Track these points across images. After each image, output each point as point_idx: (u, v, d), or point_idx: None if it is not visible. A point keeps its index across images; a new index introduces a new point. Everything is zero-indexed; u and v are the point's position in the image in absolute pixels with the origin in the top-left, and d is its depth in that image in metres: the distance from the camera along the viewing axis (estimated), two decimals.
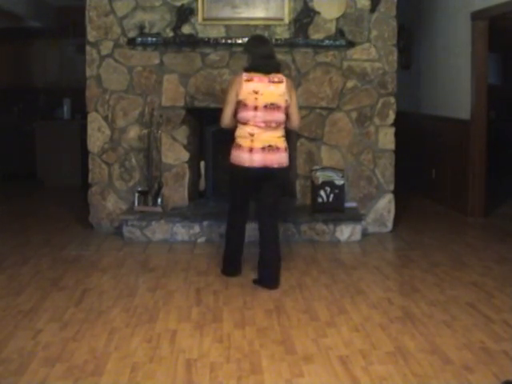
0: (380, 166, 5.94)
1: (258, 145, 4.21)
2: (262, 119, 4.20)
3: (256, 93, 4.18)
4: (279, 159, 4.26)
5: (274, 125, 4.23)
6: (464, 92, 6.64)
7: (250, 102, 4.19)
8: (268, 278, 4.31)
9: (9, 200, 7.70)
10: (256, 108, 4.19)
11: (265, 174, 4.27)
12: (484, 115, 6.52)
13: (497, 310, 3.92)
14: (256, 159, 4.22)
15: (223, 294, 4.22)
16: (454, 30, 6.94)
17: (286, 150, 4.32)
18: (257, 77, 4.22)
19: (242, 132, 4.28)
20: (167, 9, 5.79)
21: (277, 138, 4.26)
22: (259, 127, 4.21)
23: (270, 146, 4.22)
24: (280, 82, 4.24)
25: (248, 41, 4.57)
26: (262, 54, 4.27)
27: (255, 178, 4.30)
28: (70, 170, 8.43)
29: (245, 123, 4.25)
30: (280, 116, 4.24)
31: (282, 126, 4.31)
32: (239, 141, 4.28)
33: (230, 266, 4.56)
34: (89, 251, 5.32)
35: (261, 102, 4.19)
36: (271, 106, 4.19)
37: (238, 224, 4.53)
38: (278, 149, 4.25)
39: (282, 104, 4.23)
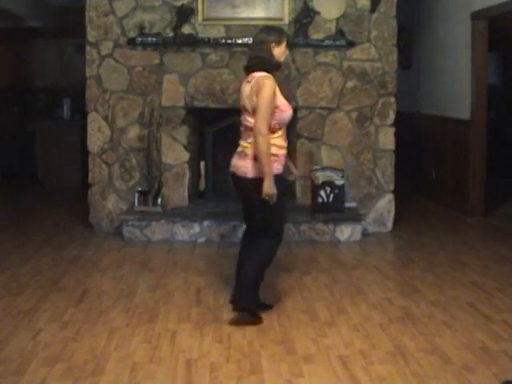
0: (380, 166, 5.94)
1: (238, 149, 3.82)
2: (242, 122, 3.79)
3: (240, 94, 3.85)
4: (242, 167, 3.69)
5: (248, 131, 3.71)
6: (464, 92, 6.63)
7: None
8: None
9: (9, 200, 7.70)
10: (240, 111, 3.84)
11: (235, 183, 3.83)
12: (484, 115, 6.51)
13: (497, 309, 3.92)
14: (231, 163, 3.83)
15: (223, 294, 4.22)
16: (454, 30, 6.94)
17: (255, 158, 3.64)
18: (245, 77, 3.86)
19: None
20: (167, 9, 5.79)
21: (249, 143, 3.70)
22: (240, 131, 3.83)
23: (242, 151, 3.75)
24: (250, 81, 3.69)
25: None
26: (250, 53, 3.87)
27: (234, 187, 3.89)
28: (69, 170, 8.43)
29: None
30: (250, 120, 3.67)
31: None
32: None
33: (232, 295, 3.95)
34: (89, 251, 5.32)
35: (240, 104, 3.82)
36: (243, 109, 3.74)
37: (241, 247, 3.99)
38: (245, 156, 3.69)
39: (249, 107, 3.66)
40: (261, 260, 3.78)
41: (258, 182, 3.59)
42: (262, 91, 3.58)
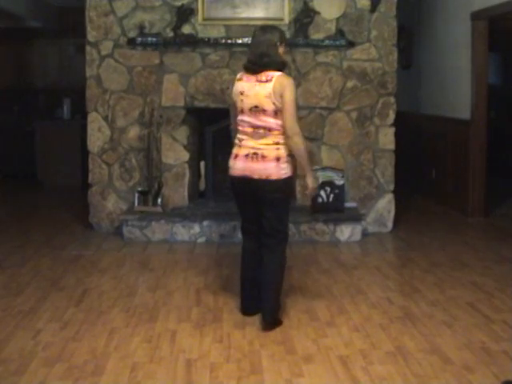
0: (380, 165, 5.94)
1: (243, 151, 3.66)
2: (249, 124, 3.64)
3: (242, 94, 3.66)
4: (263, 170, 3.59)
5: (261, 131, 3.61)
6: (464, 92, 6.63)
7: (238, 104, 3.68)
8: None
9: (9, 200, 7.70)
10: (242, 111, 3.66)
11: (248, 186, 3.68)
12: (484, 115, 6.51)
13: (497, 309, 3.92)
14: (237, 167, 3.69)
15: (223, 294, 4.22)
16: (454, 30, 6.94)
17: (277, 159, 3.59)
18: (246, 76, 3.69)
19: (237, 137, 3.78)
20: (167, 9, 5.79)
21: (265, 145, 3.60)
22: (246, 133, 3.67)
23: (254, 153, 3.61)
24: (267, 81, 3.58)
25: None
26: (253, 51, 3.70)
27: (242, 191, 3.75)
28: (70, 170, 8.42)
29: (238, 127, 3.75)
30: (268, 121, 3.58)
31: (276, 133, 3.60)
32: (234, 147, 3.80)
33: (243, 302, 3.88)
34: (89, 251, 5.32)
35: (246, 104, 3.63)
36: (256, 110, 3.59)
37: (245, 250, 3.89)
38: (263, 157, 3.59)
39: (269, 107, 3.56)
40: (282, 266, 3.80)
41: (283, 182, 3.62)
42: (287, 91, 3.55)
